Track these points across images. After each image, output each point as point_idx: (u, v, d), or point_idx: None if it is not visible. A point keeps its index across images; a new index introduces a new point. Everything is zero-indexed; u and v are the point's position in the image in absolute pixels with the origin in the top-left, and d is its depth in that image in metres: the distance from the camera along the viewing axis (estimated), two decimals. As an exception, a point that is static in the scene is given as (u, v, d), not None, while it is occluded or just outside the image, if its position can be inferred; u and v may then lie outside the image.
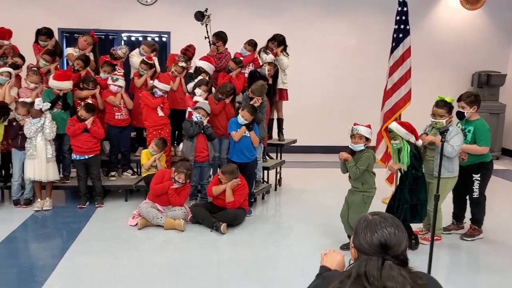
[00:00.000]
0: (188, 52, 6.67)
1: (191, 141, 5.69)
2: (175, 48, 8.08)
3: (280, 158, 7.17)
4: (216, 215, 5.21)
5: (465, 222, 5.23)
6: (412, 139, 4.37)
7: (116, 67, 6.44)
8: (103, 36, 9.28)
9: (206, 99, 5.90)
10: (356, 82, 9.76)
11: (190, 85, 6.14)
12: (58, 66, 6.67)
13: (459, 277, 4.18)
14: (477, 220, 5.05)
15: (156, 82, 6.04)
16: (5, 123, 5.67)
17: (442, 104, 4.59)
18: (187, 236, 4.99)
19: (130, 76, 6.80)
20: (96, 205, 5.89)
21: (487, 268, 4.41)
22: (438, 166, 4.57)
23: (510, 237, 5.17)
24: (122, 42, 9.20)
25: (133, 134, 6.74)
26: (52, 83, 5.86)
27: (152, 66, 6.46)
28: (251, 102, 5.72)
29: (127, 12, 9.16)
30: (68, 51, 6.81)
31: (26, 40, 6.79)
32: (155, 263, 4.26)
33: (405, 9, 6.05)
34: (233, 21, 8.81)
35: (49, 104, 5.67)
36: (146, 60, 6.41)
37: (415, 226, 4.86)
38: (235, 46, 6.80)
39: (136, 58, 6.70)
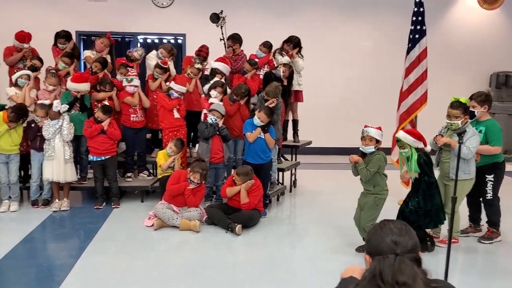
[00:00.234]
0: (202, 53, 6.70)
1: (207, 142, 5.72)
2: (191, 50, 8.12)
3: (295, 160, 7.16)
4: (231, 216, 5.22)
5: (482, 225, 5.16)
6: (421, 145, 4.34)
7: (128, 68, 6.50)
8: (120, 39, 9.38)
9: (221, 100, 5.92)
10: (372, 84, 9.70)
11: (206, 87, 6.17)
12: (76, 68, 6.76)
13: (476, 281, 4.12)
14: (494, 222, 4.98)
15: (172, 84, 6.08)
16: (24, 124, 5.76)
17: (457, 105, 4.53)
18: (202, 237, 5.01)
19: (145, 78, 6.85)
20: (113, 206, 5.95)
21: (505, 271, 4.34)
22: (454, 169, 4.54)
23: (529, 240, 5.09)
24: (138, 44, 9.29)
25: (148, 135, 6.80)
26: (70, 85, 5.94)
27: (166, 70, 6.50)
28: (267, 104, 5.73)
29: (143, 15, 9.24)
30: (86, 53, 6.91)
31: (44, 43, 6.90)
32: (170, 264, 4.29)
33: (421, 9, 6.01)
34: (248, 22, 8.85)
35: (67, 106, 5.76)
36: (160, 64, 6.45)
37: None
38: (250, 48, 6.82)
39: (153, 61, 6.73)
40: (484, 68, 9.90)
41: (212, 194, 5.99)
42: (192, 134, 6.77)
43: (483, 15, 9.82)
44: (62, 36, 6.76)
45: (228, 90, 6.14)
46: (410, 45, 6.08)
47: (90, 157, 5.91)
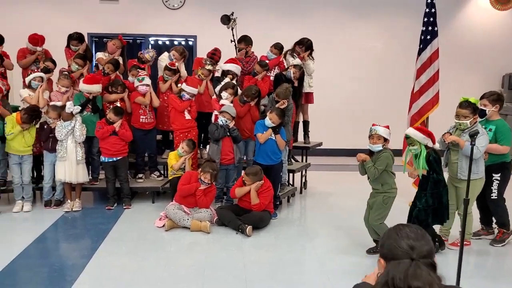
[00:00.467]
0: (215, 56, 6.71)
1: (217, 144, 5.74)
2: (202, 52, 8.16)
3: (306, 161, 7.15)
4: (242, 218, 5.23)
5: (494, 228, 5.12)
6: (430, 143, 4.31)
7: (138, 69, 6.53)
8: (131, 40, 9.44)
9: (232, 102, 5.94)
10: (382, 85, 9.65)
11: (217, 88, 6.19)
12: (88, 70, 6.82)
13: (487, 284, 4.08)
14: (502, 223, 4.93)
15: (183, 86, 6.11)
16: (37, 126, 5.82)
17: (466, 105, 4.50)
18: (213, 238, 5.03)
19: (157, 80, 6.88)
20: (124, 207, 5.99)
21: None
22: (462, 169, 4.51)
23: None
24: (150, 46, 9.33)
25: (159, 137, 6.84)
26: (82, 86, 6.00)
27: (176, 72, 6.53)
28: (278, 105, 5.73)
29: (154, 17, 9.29)
30: (98, 55, 6.99)
31: (57, 45, 6.97)
32: (181, 265, 4.31)
33: (433, 10, 5.97)
34: (259, 24, 8.85)
35: (80, 108, 5.82)
36: (169, 66, 6.48)
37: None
38: (260, 49, 6.82)
39: (165, 62, 6.72)
40: (497, 69, 9.80)
41: (222, 195, 6.00)
42: (202, 135, 6.79)
43: (496, 16, 9.73)
44: (75, 38, 6.83)
45: (239, 92, 6.16)
46: (421, 46, 6.05)
47: (102, 158, 5.96)
